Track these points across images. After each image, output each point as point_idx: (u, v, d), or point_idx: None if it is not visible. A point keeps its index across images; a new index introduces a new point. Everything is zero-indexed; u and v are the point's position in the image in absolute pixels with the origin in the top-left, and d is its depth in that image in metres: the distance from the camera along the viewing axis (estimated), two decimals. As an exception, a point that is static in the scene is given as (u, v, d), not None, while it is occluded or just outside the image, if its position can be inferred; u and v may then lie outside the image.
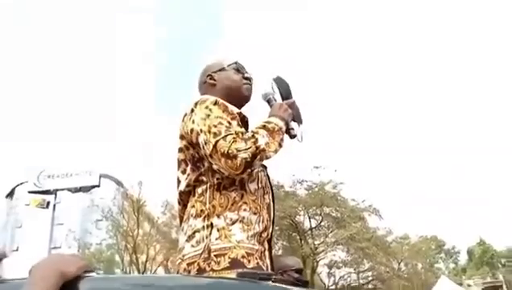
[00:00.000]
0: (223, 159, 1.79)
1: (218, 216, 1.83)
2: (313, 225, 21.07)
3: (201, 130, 1.86)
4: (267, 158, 1.86)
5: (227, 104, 2.01)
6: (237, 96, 2.15)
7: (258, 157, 1.81)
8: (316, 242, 20.79)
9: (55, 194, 70.01)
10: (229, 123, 1.88)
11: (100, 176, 64.83)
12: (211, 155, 1.82)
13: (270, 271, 1.82)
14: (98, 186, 64.67)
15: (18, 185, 75.60)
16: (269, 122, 1.95)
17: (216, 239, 1.78)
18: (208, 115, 1.90)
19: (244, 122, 2.05)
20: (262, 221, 1.88)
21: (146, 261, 23.81)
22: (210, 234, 1.81)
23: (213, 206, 1.86)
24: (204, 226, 1.84)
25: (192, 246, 1.83)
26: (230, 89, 2.17)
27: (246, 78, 2.20)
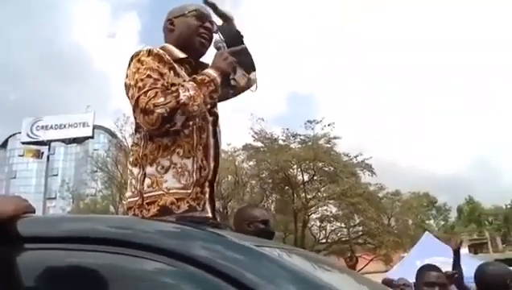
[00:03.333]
0: (141, 115, 1.81)
1: (150, 164, 1.87)
2: (306, 180, 21.22)
3: (130, 85, 1.88)
4: (192, 112, 1.84)
5: (171, 50, 2.03)
6: (189, 46, 2.08)
7: (179, 112, 1.80)
8: (308, 197, 20.98)
9: (49, 145, 69.92)
10: (161, 75, 1.88)
11: (93, 128, 64.84)
12: (133, 110, 1.85)
13: (209, 213, 1.89)
14: (92, 137, 64.86)
15: (11, 136, 75.55)
16: (200, 74, 1.93)
17: (149, 187, 1.84)
18: (138, 69, 1.89)
19: (194, 67, 2.04)
20: (197, 163, 1.89)
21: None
22: (143, 182, 1.86)
23: (145, 155, 1.89)
24: (138, 174, 1.89)
25: (131, 191, 1.90)
26: (184, 38, 2.10)
27: (205, 28, 2.10)
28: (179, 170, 1.85)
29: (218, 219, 2.08)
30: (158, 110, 1.77)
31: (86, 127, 67.20)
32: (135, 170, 1.92)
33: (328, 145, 20.76)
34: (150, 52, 1.94)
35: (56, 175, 67.43)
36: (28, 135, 68.11)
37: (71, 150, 72.41)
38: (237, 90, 2.27)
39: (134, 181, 1.91)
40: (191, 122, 1.91)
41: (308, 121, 20.88)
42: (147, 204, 1.82)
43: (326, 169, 20.92)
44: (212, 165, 1.94)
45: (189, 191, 1.85)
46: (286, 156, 19.88)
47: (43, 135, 67.22)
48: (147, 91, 1.81)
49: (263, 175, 21.43)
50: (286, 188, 21.12)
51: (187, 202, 1.83)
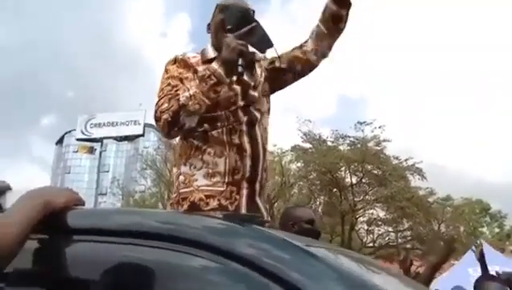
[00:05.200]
0: (156, 123, 1.91)
1: (184, 163, 1.96)
2: (354, 182, 20.90)
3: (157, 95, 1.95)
4: (194, 111, 1.83)
5: (206, 51, 2.07)
6: (220, 40, 2.00)
7: (182, 114, 1.82)
8: (356, 199, 20.70)
9: (102, 142, 72.18)
10: (181, 80, 1.93)
11: (144, 126, 66.28)
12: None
13: (243, 208, 1.91)
14: (143, 135, 66.31)
15: (66, 133, 78.40)
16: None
17: (183, 184, 1.94)
18: (163, 79, 1.98)
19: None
20: (230, 163, 1.91)
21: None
22: (179, 180, 1.97)
23: (180, 155, 1.99)
24: (177, 173, 2.01)
25: (174, 189, 2.02)
26: (215, 36, 2.10)
27: (227, 28, 1.98)
28: (211, 170, 1.90)
29: (267, 217, 2.08)
30: (164, 116, 1.84)
31: (137, 125, 68.83)
32: (174, 169, 2.07)
33: (378, 147, 20.34)
34: (175, 59, 2.02)
35: (108, 171, 69.58)
36: (82, 132, 70.46)
37: (122, 147, 74.41)
38: (297, 74, 2.18)
39: (174, 179, 2.04)
40: (219, 124, 1.93)
41: (358, 122, 20.52)
42: (182, 199, 1.92)
43: (375, 172, 20.52)
44: (248, 165, 1.94)
45: (221, 189, 1.89)
46: (334, 158, 19.67)
47: (96, 132, 69.44)
48: (159, 100, 1.89)
49: (311, 176, 21.28)
50: (334, 190, 20.89)
51: (218, 200, 1.88)
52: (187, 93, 1.82)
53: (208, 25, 2.15)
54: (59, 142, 79.25)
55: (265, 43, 2.03)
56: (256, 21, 1.97)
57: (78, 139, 71.48)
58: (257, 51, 2.06)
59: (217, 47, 2.02)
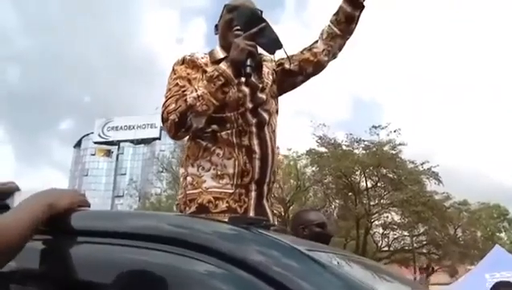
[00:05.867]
0: (163, 124, 1.89)
1: (192, 164, 1.93)
2: (369, 186, 20.83)
3: (164, 96, 1.93)
4: (202, 112, 1.81)
5: (215, 52, 2.05)
6: (227, 41, 2.00)
7: (190, 114, 1.80)
8: (371, 203, 20.62)
9: (119, 145, 72.85)
10: (189, 81, 1.91)
11: (161, 129, 66.71)
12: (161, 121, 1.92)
13: (251, 210, 1.89)
14: (159, 139, 66.79)
15: (84, 136, 79.24)
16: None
17: (191, 185, 1.91)
18: (171, 78, 1.96)
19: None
20: (239, 165, 1.89)
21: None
22: (186, 181, 1.93)
23: (188, 156, 1.97)
24: (183, 174, 1.98)
25: (180, 190, 1.99)
26: (223, 37, 2.09)
27: (236, 28, 1.98)
28: (219, 171, 1.88)
29: (272, 220, 2.02)
30: (171, 117, 1.81)
31: (154, 129, 69.45)
32: (181, 170, 2.03)
33: (393, 151, 20.23)
34: (183, 60, 2.00)
35: (124, 174, 70.14)
36: (100, 136, 71.37)
37: (139, 150, 74.99)
38: (307, 76, 2.19)
39: (181, 180, 2.01)
40: (228, 125, 1.90)
41: (373, 126, 20.51)
42: (189, 201, 1.89)
43: (390, 176, 20.40)
44: (257, 167, 1.91)
45: (230, 191, 1.87)
46: (350, 162, 19.60)
47: (114, 136, 70.25)
48: (167, 100, 1.87)
49: (326, 180, 21.26)
50: (350, 194, 20.81)
51: (227, 202, 1.85)
52: (194, 94, 1.80)
53: (216, 26, 2.15)
54: (77, 145, 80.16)
55: (274, 44, 2.00)
56: (265, 21, 1.94)
57: (96, 142, 72.37)
58: (265, 52, 2.04)
59: (226, 47, 1.99)
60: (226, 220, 1.22)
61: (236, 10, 2.02)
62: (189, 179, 1.92)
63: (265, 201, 1.97)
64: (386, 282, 1.41)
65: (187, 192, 1.91)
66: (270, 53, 2.05)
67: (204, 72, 1.92)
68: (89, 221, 1.20)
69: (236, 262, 0.95)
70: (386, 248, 22.48)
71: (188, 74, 1.93)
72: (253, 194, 1.91)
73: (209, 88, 1.80)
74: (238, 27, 1.94)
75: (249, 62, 1.81)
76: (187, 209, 1.88)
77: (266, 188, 1.96)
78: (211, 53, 2.06)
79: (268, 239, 1.05)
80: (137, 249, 1.06)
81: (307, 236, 2.49)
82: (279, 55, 2.10)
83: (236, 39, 1.88)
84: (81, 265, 1.10)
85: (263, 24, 1.92)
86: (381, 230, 22.18)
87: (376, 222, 21.67)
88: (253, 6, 2.05)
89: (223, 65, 1.84)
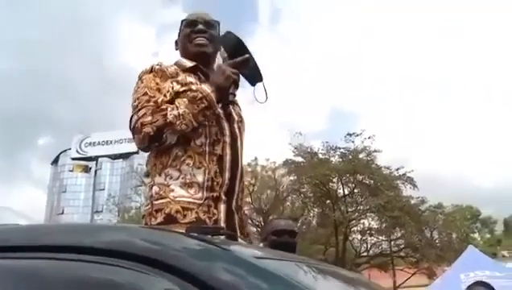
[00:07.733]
0: (132, 134, 1.84)
1: (159, 174, 1.86)
2: (346, 193, 21.16)
3: (131, 105, 1.90)
4: (180, 131, 1.80)
5: (181, 62, 2.04)
6: (190, 54, 2.06)
7: (167, 131, 1.78)
8: (349, 210, 20.86)
9: (97, 161, 72.15)
10: (159, 91, 1.87)
11: (139, 143, 65.97)
12: (130, 129, 1.87)
13: (222, 222, 1.83)
14: (137, 153, 66.13)
15: (62, 152, 78.22)
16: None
17: (157, 195, 1.83)
18: (138, 87, 1.93)
19: (205, 73, 1.99)
20: (209, 174, 1.84)
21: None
22: (152, 191, 1.86)
23: (155, 165, 1.89)
24: (150, 184, 1.90)
25: (147, 201, 1.91)
26: (183, 49, 2.11)
27: (197, 31, 2.05)
28: (188, 180, 1.82)
29: (240, 232, 1.95)
30: (145, 129, 1.77)
31: (131, 143, 68.10)
32: (147, 180, 1.94)
33: (368, 158, 20.59)
34: (152, 69, 1.96)
35: (103, 189, 69.38)
36: (77, 151, 70.63)
37: (117, 165, 74.28)
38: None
39: (146, 190, 1.92)
40: (200, 130, 1.87)
41: (348, 134, 20.80)
42: (155, 211, 1.80)
43: (366, 182, 20.73)
44: (226, 177, 1.88)
45: (199, 202, 1.80)
46: (326, 170, 19.89)
47: (91, 151, 69.62)
48: (139, 110, 1.82)
49: (304, 189, 21.50)
50: (327, 201, 21.05)
51: (196, 213, 1.78)
52: (175, 112, 1.77)
53: (176, 42, 2.17)
54: (55, 161, 79.11)
55: (256, 76, 2.02)
56: (249, 52, 1.95)
57: (73, 158, 71.51)
58: (247, 83, 2.05)
59: (187, 57, 2.04)
60: (181, 230, 1.21)
61: (223, 36, 2.05)
62: (155, 188, 1.84)
63: (235, 214, 1.92)
64: (342, 286, 1.41)
65: (154, 202, 1.82)
66: (252, 85, 2.07)
67: (175, 80, 1.91)
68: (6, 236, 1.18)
69: (167, 268, 0.93)
70: (365, 253, 22.73)
71: (157, 84, 1.89)
72: (222, 207, 1.86)
73: (191, 108, 1.79)
74: (225, 55, 1.97)
75: (231, 90, 1.86)
76: (154, 219, 1.79)
77: (235, 200, 1.93)
78: (177, 63, 2.05)
79: (211, 248, 1.02)
80: (59, 261, 1.04)
81: (269, 245, 2.56)
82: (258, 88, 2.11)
83: (221, 64, 1.93)
84: (6, 280, 1.08)
85: (247, 56, 1.94)
86: (359, 236, 22.39)
87: (354, 228, 21.89)
88: (207, 18, 2.11)
89: (207, 88, 1.84)
